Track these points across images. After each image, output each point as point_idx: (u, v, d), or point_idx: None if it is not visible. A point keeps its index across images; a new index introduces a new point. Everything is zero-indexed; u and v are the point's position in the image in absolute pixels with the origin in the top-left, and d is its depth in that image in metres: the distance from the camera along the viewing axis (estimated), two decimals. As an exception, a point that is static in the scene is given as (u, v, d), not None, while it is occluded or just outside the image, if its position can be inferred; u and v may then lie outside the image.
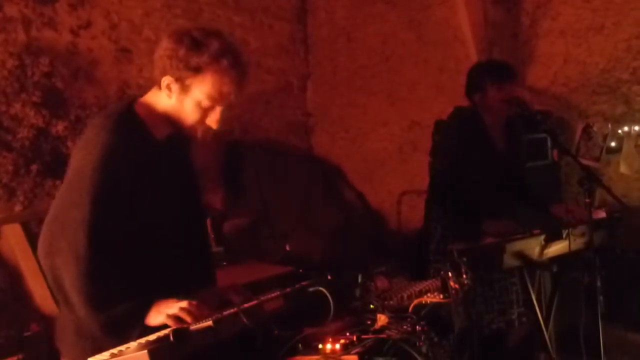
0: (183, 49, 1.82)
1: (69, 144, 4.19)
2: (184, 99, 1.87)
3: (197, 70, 1.82)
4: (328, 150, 6.37)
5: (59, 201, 1.86)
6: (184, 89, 1.85)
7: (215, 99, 1.87)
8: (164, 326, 1.74)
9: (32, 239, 3.57)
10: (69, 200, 1.82)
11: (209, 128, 1.94)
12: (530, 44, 4.87)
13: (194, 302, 1.76)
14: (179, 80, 1.84)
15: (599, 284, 2.70)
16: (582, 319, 2.92)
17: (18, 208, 3.99)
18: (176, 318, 1.73)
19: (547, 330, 3.03)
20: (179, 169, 2.09)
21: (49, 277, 1.82)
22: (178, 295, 1.82)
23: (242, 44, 5.70)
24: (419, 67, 5.52)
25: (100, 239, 1.79)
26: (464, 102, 3.37)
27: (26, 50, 4.11)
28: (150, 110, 1.94)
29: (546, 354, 2.98)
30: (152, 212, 1.94)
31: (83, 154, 1.83)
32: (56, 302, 1.95)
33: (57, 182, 3.95)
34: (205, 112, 1.89)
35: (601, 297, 2.73)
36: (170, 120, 1.94)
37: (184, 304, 1.75)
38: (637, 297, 3.89)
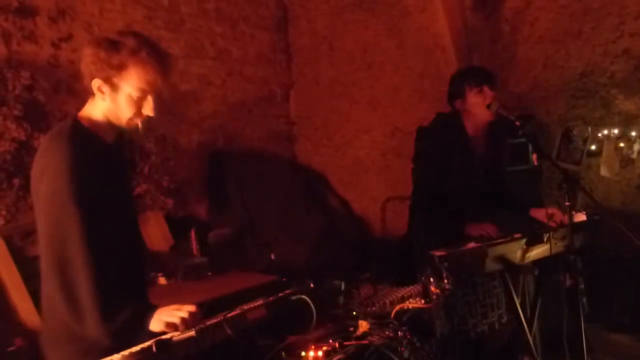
0: (102, 51, 1.91)
1: (52, 157, 4.16)
2: (116, 97, 1.96)
3: (120, 67, 1.91)
4: (311, 158, 6.39)
5: (46, 221, 1.91)
6: (114, 87, 1.94)
7: (144, 89, 1.94)
8: None
9: (15, 253, 3.54)
10: (59, 215, 1.87)
11: (148, 119, 2.01)
12: (509, 49, 4.92)
13: (192, 310, 1.81)
14: (107, 80, 1.93)
15: (582, 285, 2.72)
16: (565, 320, 2.94)
17: (0, 222, 3.95)
18: (173, 326, 1.77)
19: (530, 332, 3.04)
20: (127, 169, 2.31)
21: (63, 294, 1.82)
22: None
23: (224, 54, 5.72)
24: (400, 74, 5.57)
25: (94, 244, 1.84)
26: (446, 108, 3.39)
27: (7, 64, 4.10)
28: (93, 118, 2.02)
29: (530, 356, 2.99)
30: (115, 212, 2.02)
31: (51, 173, 1.90)
32: (40, 316, 1.95)
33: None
34: (138, 104, 1.97)
35: (584, 299, 2.75)
36: (111, 124, 2.02)
37: (184, 313, 1.79)
38: (618, 297, 3.94)
